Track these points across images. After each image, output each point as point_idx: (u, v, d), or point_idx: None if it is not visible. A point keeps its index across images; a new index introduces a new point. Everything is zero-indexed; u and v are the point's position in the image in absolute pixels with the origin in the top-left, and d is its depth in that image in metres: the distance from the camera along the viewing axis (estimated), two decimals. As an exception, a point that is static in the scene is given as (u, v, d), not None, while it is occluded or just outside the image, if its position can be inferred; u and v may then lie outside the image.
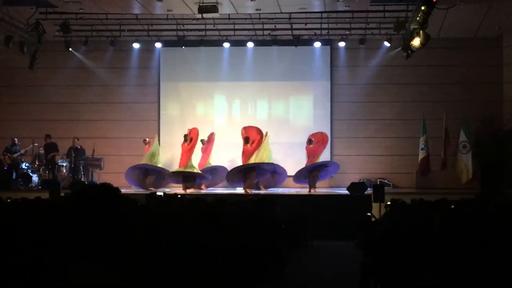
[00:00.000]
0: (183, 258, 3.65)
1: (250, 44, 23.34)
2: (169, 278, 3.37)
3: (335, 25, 22.19)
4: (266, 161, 21.06)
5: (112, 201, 2.96)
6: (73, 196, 2.98)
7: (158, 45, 23.69)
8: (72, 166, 22.06)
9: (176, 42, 23.27)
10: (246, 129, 21.66)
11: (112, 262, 2.79)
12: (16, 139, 22.27)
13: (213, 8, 18.23)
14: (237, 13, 20.51)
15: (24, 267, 4.03)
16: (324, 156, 22.56)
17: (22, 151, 22.29)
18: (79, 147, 22.20)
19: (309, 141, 21.40)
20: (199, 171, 21.39)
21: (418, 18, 17.12)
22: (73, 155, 22.04)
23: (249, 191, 20.31)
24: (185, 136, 21.45)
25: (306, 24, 21.92)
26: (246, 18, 21.64)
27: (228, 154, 22.64)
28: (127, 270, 2.81)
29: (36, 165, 22.19)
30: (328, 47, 23.81)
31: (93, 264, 2.76)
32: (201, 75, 24.22)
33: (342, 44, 23.12)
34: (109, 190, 3.00)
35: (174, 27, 22.48)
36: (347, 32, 22.54)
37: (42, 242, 4.66)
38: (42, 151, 22.28)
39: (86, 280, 2.67)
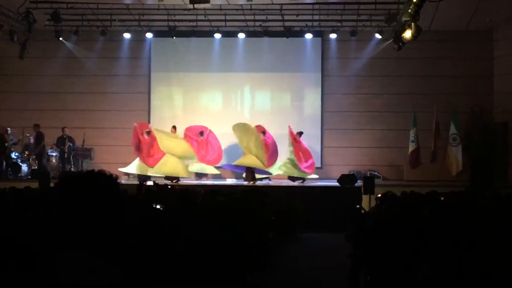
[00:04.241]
0: (172, 246, 3.64)
1: (241, 35, 23.29)
2: (159, 267, 3.36)
3: (327, 17, 22.19)
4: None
5: (103, 189, 2.94)
6: (61, 183, 2.96)
7: (149, 35, 23.62)
8: (65, 156, 22.05)
9: (167, 32, 23.20)
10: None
11: (101, 249, 2.79)
12: (8, 129, 22.18)
13: (205, -1, 18.18)
14: (229, 3, 20.49)
15: (13, 255, 4.02)
16: (315, 147, 22.80)
17: (15, 140, 22.24)
18: (66, 136, 22.12)
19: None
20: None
21: (409, 10, 17.12)
22: (65, 144, 22.01)
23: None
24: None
25: (297, 15, 21.90)
26: (237, 9, 21.60)
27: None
28: (116, 258, 2.81)
29: (25, 155, 22.12)
30: (319, 38, 23.79)
31: (82, 250, 2.75)
32: (192, 66, 24.18)
33: (333, 35, 23.09)
34: (103, 178, 2.98)
35: (165, 17, 22.42)
36: (339, 24, 22.52)
37: (32, 230, 4.64)
38: (32, 141, 22.21)
39: (74, 266, 2.66)
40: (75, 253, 2.73)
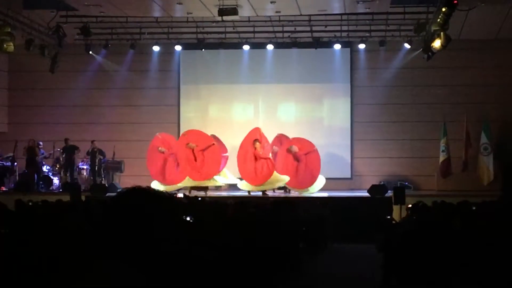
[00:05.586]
0: (203, 258, 3.65)
1: (270, 47, 23.28)
2: (190, 278, 3.36)
3: (355, 27, 22.14)
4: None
5: (151, 205, 2.96)
6: (116, 200, 2.98)
7: (178, 47, 23.71)
8: (95, 168, 22.17)
9: (196, 44, 23.29)
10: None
11: (134, 259, 2.80)
12: (41, 142, 22.39)
13: (233, 11, 18.23)
14: (257, 15, 20.53)
15: (41, 263, 4.05)
16: (345, 158, 22.83)
17: (46, 154, 22.45)
18: (96, 150, 22.22)
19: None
20: None
21: (438, 20, 17.05)
22: (95, 157, 22.12)
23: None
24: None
25: (326, 26, 21.89)
26: (266, 21, 21.65)
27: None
28: (148, 268, 2.82)
29: (57, 168, 22.31)
30: (348, 49, 23.74)
31: (116, 261, 2.77)
32: (220, 78, 24.25)
33: (362, 46, 23.01)
34: (152, 195, 3.00)
35: (194, 29, 22.53)
36: (367, 34, 22.44)
37: (69, 241, 4.68)
38: (63, 155, 22.35)
39: (108, 276, 2.68)
40: (108, 263, 2.75)
